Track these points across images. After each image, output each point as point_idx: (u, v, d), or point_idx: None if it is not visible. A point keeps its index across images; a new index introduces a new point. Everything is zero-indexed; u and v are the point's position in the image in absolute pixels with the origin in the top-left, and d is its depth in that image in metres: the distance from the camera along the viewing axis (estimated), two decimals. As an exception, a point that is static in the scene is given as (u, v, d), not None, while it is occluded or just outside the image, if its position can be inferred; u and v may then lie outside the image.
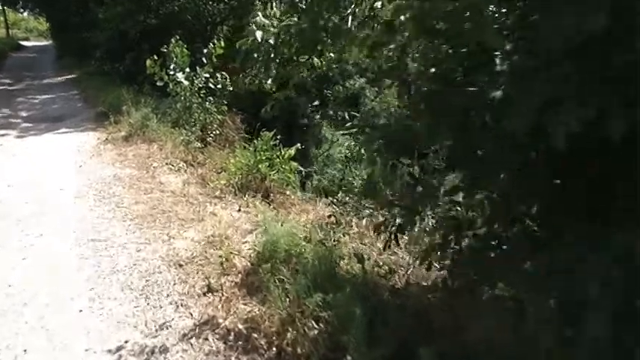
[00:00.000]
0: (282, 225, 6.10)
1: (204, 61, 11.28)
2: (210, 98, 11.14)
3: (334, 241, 6.14)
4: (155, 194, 7.62)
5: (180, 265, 5.65)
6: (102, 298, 4.91)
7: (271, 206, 7.83)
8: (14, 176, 8.44)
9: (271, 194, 8.10)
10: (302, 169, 9.20)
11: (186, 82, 10.92)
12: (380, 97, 18.72)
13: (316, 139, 19.35)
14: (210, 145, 10.85)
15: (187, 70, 11.02)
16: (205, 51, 11.16)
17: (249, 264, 5.69)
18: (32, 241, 6.05)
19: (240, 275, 5.47)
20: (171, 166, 8.89)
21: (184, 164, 9.10)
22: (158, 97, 11.75)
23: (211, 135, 11.01)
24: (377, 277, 5.74)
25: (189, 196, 7.64)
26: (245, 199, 7.80)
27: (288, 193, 8.25)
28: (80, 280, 5.22)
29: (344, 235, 6.54)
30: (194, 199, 7.55)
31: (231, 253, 5.71)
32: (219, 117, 11.36)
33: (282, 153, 8.49)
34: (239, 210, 7.39)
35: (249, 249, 6.12)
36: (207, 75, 11.13)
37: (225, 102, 11.67)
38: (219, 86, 11.28)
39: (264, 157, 8.28)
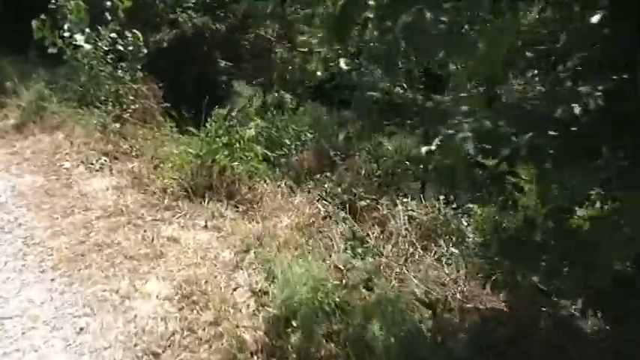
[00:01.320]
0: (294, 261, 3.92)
1: (108, 17, 8.36)
2: (123, 64, 8.32)
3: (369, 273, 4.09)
4: (78, 215, 5.06)
5: (157, 356, 3.35)
6: None
7: (239, 209, 5.57)
8: None
9: (237, 193, 5.79)
10: (270, 153, 6.91)
11: (87, 46, 8.02)
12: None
13: (231, 96, 16.65)
14: (128, 123, 8.12)
15: (87, 30, 8.07)
16: (109, 4, 8.23)
17: (263, 336, 3.50)
18: None
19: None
20: (89, 165, 6.23)
21: (106, 159, 6.46)
22: (51, 67, 8.67)
23: (128, 111, 8.25)
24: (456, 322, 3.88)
25: (128, 212, 5.16)
26: (207, 206, 5.45)
27: (258, 188, 5.96)
28: None
29: (376, 257, 4.51)
30: (137, 217, 5.10)
31: (235, 325, 3.49)
32: (134, 86, 8.57)
33: (242, 134, 6.11)
34: (206, 226, 5.06)
35: (248, 300, 3.91)
36: (114, 35, 8.25)
37: (140, 67, 8.87)
38: (130, 48, 8.44)
39: (220, 144, 5.88)
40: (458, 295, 4.54)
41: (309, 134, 12.63)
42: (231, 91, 15.77)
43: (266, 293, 4.01)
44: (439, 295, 4.40)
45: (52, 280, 4.07)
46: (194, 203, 5.48)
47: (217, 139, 5.91)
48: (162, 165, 6.39)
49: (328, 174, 11.99)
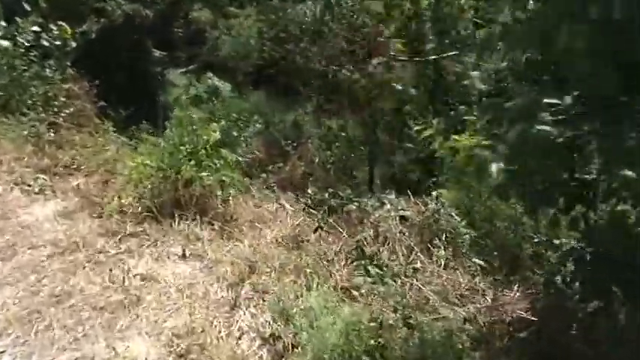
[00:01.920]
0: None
1: (27, 7, 7.12)
2: (50, 62, 7.12)
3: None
4: (23, 256, 4.05)
5: None
6: None
7: (215, 227, 4.73)
8: None
9: (210, 209, 4.92)
10: (241, 157, 6.03)
11: (4, 43, 6.79)
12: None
13: (165, 86, 15.42)
14: (63, 130, 6.98)
15: (3, 23, 6.82)
16: (27, -7, 7.02)
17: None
18: None
19: None
20: (26, 187, 5.15)
21: (45, 177, 5.37)
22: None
23: (61, 115, 7.08)
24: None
25: (85, 245, 4.20)
26: (178, 227, 4.57)
27: (231, 199, 5.12)
28: None
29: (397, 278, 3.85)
30: (98, 251, 4.15)
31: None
32: (65, 86, 7.41)
33: (207, 139, 5.21)
34: (184, 255, 4.19)
35: (259, 351, 3.15)
36: (37, 28, 7.03)
37: (69, 64, 7.70)
38: (57, 43, 7.25)
39: (185, 153, 4.97)
40: (482, 309, 3.96)
41: (258, 124, 11.72)
42: (165, 82, 14.52)
43: (279, 338, 3.25)
44: (467, 313, 3.80)
45: (1, 351, 3.11)
46: (162, 225, 4.58)
47: (181, 147, 4.99)
48: (113, 180, 5.40)
49: (281, 165, 11.26)
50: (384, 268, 4.01)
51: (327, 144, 11.73)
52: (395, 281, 3.96)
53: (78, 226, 4.48)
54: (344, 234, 5.09)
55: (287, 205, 6.56)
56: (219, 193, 5.03)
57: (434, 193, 5.94)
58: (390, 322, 3.28)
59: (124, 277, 3.77)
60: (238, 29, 14.49)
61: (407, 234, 5.14)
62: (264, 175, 10.25)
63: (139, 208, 4.76)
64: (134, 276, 3.81)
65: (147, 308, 3.48)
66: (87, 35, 9.63)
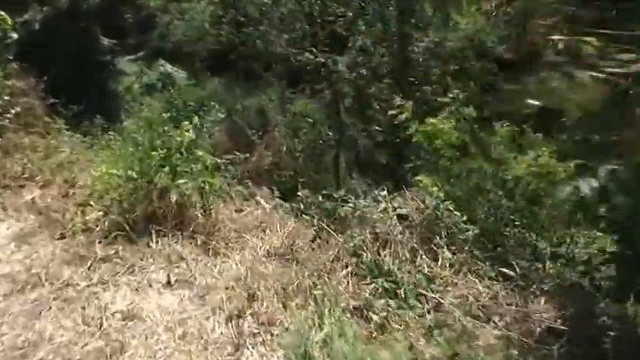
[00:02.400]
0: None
1: (-43, -6, 6.20)
2: (-13, 56, 6.23)
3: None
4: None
5: None
6: None
7: (198, 242, 4.10)
8: None
9: (189, 221, 4.27)
10: (219, 159, 5.35)
11: None
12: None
13: (113, 75, 14.36)
14: (9, 132, 6.13)
15: None
16: (-44, -23, 6.07)
17: None
18: None
19: None
20: (-29, 205, 4.35)
21: (-7, 191, 4.59)
22: None
23: (7, 116, 6.21)
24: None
25: (49, 277, 3.50)
26: (156, 246, 3.91)
27: (212, 208, 4.48)
28: None
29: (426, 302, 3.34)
30: (66, 284, 3.46)
31: None
32: (8, 83, 6.52)
33: (180, 140, 4.52)
34: (169, 282, 3.55)
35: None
36: (-32, 17, 6.11)
37: (11, 57, 6.81)
38: (-5, 34, 6.34)
39: (157, 158, 4.29)
40: (510, 322, 3.51)
41: (220, 114, 10.95)
42: (116, 71, 13.46)
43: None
44: (497, 329, 3.34)
45: None
46: (138, 245, 3.91)
47: (153, 152, 4.29)
48: (74, 191, 4.66)
49: (247, 155, 10.57)
50: (393, 276, 3.48)
51: (294, 131, 11.12)
52: (411, 294, 3.46)
53: (38, 252, 3.77)
54: (340, 239, 4.56)
55: (264, 203, 6.02)
56: (198, 202, 4.37)
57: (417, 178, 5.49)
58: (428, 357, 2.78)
59: (100, 318, 3.11)
60: (192, 13, 13.52)
61: (407, 234, 4.64)
62: (231, 167, 9.60)
63: (108, 225, 4.07)
64: (112, 314, 3.16)
65: (133, 356, 2.84)
66: (29, 25, 8.58)
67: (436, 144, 8.05)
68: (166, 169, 4.28)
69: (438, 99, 9.41)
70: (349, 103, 12.93)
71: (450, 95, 9.01)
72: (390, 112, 9.18)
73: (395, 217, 4.75)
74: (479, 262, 4.48)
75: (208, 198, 4.39)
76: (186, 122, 4.83)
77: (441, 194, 5.29)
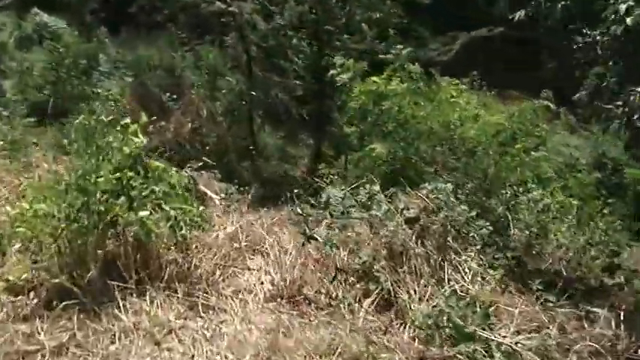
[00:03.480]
0: None
1: None
2: None
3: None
4: None
5: None
6: None
7: (185, 300, 2.92)
8: None
9: (163, 269, 3.04)
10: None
11: None
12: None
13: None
14: None
15: None
16: None
17: None
18: None
19: None
20: None
21: None
22: None
23: None
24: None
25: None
26: (126, 316, 2.67)
27: (188, 249, 3.26)
28: None
29: None
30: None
31: None
32: None
33: (128, 152, 3.16)
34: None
35: None
36: None
37: None
38: None
39: (106, 184, 2.94)
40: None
41: (126, 76, 9.07)
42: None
43: None
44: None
45: None
46: (99, 318, 2.65)
47: (98, 177, 2.92)
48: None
49: (163, 123, 8.94)
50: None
51: (212, 91, 9.59)
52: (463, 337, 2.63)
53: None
54: (343, 254, 3.60)
55: (217, 201, 4.92)
56: (170, 237, 3.13)
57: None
58: None
59: None
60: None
61: (419, 241, 3.76)
62: (145, 138, 8.04)
63: (48, 289, 2.74)
64: None
65: None
66: None
67: (384, 105, 7.17)
68: (121, 198, 2.95)
69: (380, 55, 8.46)
70: (260, 55, 11.52)
71: (393, 51, 8.10)
72: (331, 72, 8.12)
73: (402, 220, 3.83)
74: (510, 271, 3.78)
75: (183, 230, 3.14)
76: (128, 121, 3.44)
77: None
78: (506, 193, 6.65)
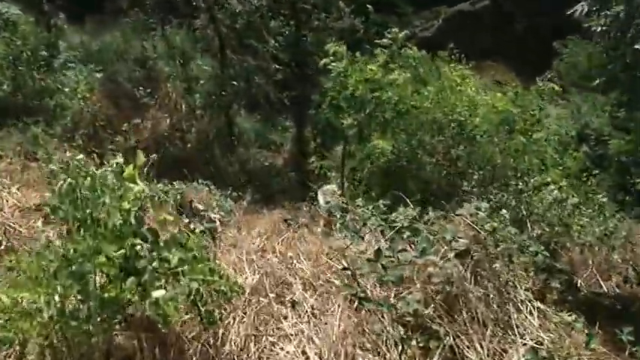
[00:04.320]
0: None
1: None
2: None
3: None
4: None
5: None
6: None
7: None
8: None
9: (186, 349, 2.32)
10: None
11: None
12: None
13: None
14: None
15: None
16: None
17: None
18: None
19: None
20: None
21: None
22: None
23: None
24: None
25: None
26: None
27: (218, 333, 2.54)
28: None
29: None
30: None
31: None
32: None
33: (127, 207, 2.39)
34: None
35: None
36: None
37: None
38: None
39: (116, 260, 2.18)
40: None
41: (95, 72, 8.02)
42: None
43: None
44: None
45: None
46: None
47: (98, 253, 2.15)
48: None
49: (138, 120, 8.00)
50: None
51: (187, 82, 8.64)
52: None
53: None
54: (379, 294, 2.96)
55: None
56: (195, 317, 2.41)
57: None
58: None
59: None
60: None
61: (474, 278, 3.14)
62: (119, 139, 7.15)
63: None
64: None
65: None
66: None
67: (383, 96, 6.45)
68: (129, 279, 2.20)
69: (374, 40, 7.61)
70: (232, 37, 10.55)
71: (389, 35, 7.31)
72: (323, 62, 7.30)
73: (453, 255, 3.19)
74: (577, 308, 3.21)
75: (209, 307, 2.42)
76: (120, 160, 2.63)
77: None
78: (517, 184, 6.18)
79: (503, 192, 6.32)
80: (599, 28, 5.83)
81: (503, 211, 3.95)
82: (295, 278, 3.53)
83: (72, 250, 2.13)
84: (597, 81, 7.60)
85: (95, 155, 6.39)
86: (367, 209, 3.91)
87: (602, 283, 3.86)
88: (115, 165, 2.55)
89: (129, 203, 2.42)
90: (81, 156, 6.78)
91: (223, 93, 8.64)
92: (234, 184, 8.17)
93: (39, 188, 5.51)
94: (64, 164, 2.51)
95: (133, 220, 2.40)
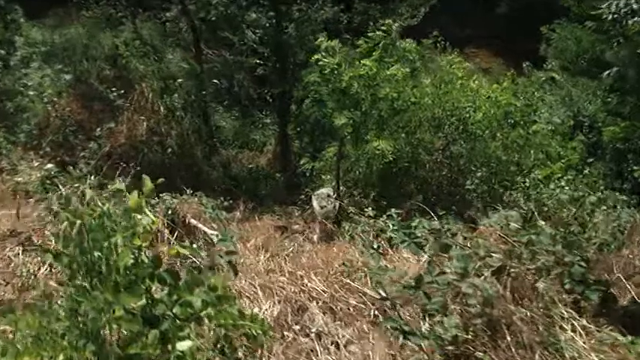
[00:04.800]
0: None
1: None
2: None
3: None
4: None
5: None
6: None
7: None
8: None
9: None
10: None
11: None
12: None
13: None
14: None
15: None
16: None
17: None
18: None
19: None
20: None
21: None
22: None
23: None
24: None
25: None
26: None
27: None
28: None
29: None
30: None
31: None
32: None
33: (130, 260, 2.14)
34: None
35: None
36: None
37: None
38: None
39: (137, 314, 1.93)
40: None
41: (65, 75, 7.57)
42: None
43: None
44: None
45: None
46: None
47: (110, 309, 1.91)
48: None
49: (113, 125, 7.59)
50: None
51: (164, 80, 8.26)
52: None
53: None
54: (424, 325, 2.79)
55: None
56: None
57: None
58: None
59: None
60: None
61: (513, 297, 2.99)
62: (92, 145, 6.79)
63: None
64: None
65: None
66: None
67: (381, 92, 6.25)
68: (152, 332, 1.96)
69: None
70: (209, 31, 10.19)
71: (383, 27, 7.07)
72: (315, 57, 7.00)
73: (490, 271, 3.03)
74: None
75: (239, 354, 2.19)
76: (121, 186, 2.37)
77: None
78: (524, 181, 6.09)
79: (508, 190, 6.25)
80: (610, 17, 5.76)
81: (513, 213, 3.82)
82: (311, 301, 3.41)
83: (82, 304, 1.87)
84: (607, 72, 7.48)
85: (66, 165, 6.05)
86: (384, 221, 3.70)
87: (631, 289, 3.77)
88: (116, 191, 2.31)
89: (139, 239, 2.18)
90: (51, 165, 6.40)
91: (203, 92, 8.31)
92: (220, 190, 7.91)
93: (6, 204, 5.15)
94: (64, 199, 2.21)
95: (146, 259, 2.16)
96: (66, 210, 2.05)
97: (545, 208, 5.51)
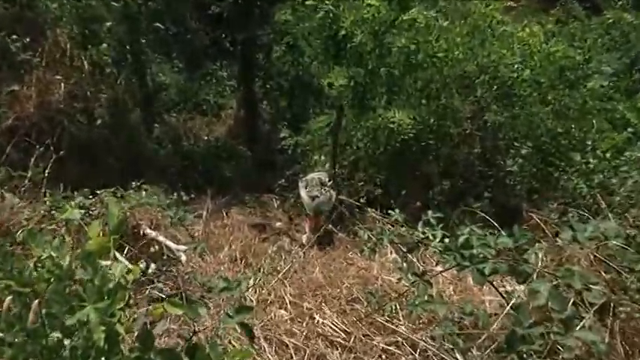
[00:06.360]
0: None
1: None
2: None
3: None
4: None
5: None
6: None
7: None
8: None
9: None
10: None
11: None
12: None
13: None
14: None
15: None
16: None
17: None
18: None
19: None
20: None
21: None
22: None
23: None
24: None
25: None
26: None
27: None
28: None
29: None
30: None
31: None
32: None
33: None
34: None
35: None
36: None
37: None
38: None
39: None
40: None
41: None
42: None
43: None
44: None
45: None
46: None
47: None
48: None
49: (17, 87, 7.02)
50: None
51: (87, 25, 7.66)
52: None
53: None
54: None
55: None
56: None
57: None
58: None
59: None
60: None
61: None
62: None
63: None
64: None
65: None
66: None
67: (396, 42, 5.93)
68: None
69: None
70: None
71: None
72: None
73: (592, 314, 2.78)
74: None
75: None
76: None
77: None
78: (587, 162, 5.90)
79: (562, 171, 6.08)
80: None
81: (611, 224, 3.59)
82: (327, 346, 3.27)
83: None
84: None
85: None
86: (429, 232, 3.40)
87: None
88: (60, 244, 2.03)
89: (114, 304, 1.86)
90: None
91: (143, 40, 7.80)
92: (171, 174, 7.53)
93: None
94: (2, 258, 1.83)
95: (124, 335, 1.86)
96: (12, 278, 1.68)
97: (618, 198, 5.33)
